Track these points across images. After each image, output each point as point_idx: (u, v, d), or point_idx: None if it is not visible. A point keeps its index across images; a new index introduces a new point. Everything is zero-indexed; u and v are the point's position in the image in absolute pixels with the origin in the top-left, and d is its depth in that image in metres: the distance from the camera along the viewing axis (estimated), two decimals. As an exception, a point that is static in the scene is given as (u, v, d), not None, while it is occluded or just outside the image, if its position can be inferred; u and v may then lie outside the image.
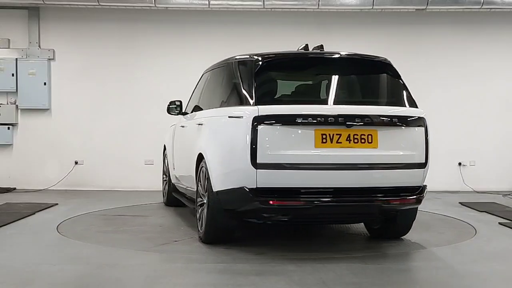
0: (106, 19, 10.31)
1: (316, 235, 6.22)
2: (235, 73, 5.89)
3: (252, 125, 4.91)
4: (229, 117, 5.37)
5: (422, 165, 5.27)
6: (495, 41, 10.44)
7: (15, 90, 10.21)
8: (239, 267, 4.83)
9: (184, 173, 6.82)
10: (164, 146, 8.44)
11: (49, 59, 10.28)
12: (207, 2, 9.66)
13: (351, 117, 5.02)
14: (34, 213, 7.45)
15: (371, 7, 9.70)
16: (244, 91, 5.41)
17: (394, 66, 5.66)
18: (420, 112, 5.35)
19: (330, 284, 4.37)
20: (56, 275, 4.61)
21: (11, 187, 10.16)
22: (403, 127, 5.23)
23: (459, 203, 8.59)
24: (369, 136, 5.07)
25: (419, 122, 5.29)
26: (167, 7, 9.89)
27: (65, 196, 9.23)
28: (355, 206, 5.21)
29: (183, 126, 7.02)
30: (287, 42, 10.04)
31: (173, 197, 7.72)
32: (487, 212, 7.77)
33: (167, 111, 7.26)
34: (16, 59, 10.18)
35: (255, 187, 4.93)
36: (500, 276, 4.86)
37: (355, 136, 5.03)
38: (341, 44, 10.16)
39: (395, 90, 5.60)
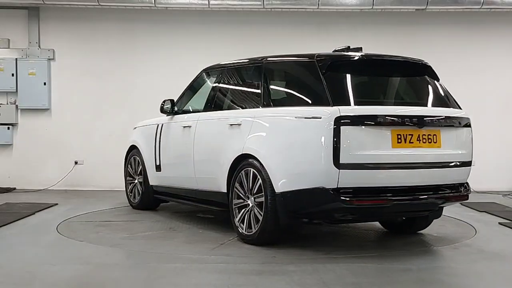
0: (106, 19, 10.31)
1: (316, 235, 6.22)
2: (291, 73, 5.94)
3: (334, 126, 4.96)
4: (300, 117, 5.30)
5: (470, 163, 5.67)
6: (495, 41, 10.44)
7: (15, 90, 10.21)
8: (239, 267, 4.83)
9: (193, 175, 6.58)
10: (132, 146, 8.00)
11: (49, 59, 10.28)
12: (207, 2, 9.66)
13: (421, 118, 5.26)
14: (34, 213, 7.45)
15: (371, 7, 9.71)
16: (314, 92, 5.43)
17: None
18: (466, 113, 5.69)
19: (330, 284, 4.37)
20: (56, 275, 4.61)
21: (11, 187, 10.17)
22: (458, 127, 5.56)
23: (459, 203, 8.57)
24: (434, 136, 5.34)
25: (468, 122, 5.67)
26: (167, 7, 9.89)
27: (65, 196, 9.23)
28: (425, 203, 5.48)
29: (186, 126, 6.77)
30: (287, 42, 10.12)
31: (149, 199, 7.62)
32: (487, 212, 7.77)
33: (161, 111, 7.21)
34: (16, 59, 10.18)
35: (335, 187, 4.98)
36: (500, 276, 4.87)
37: (424, 136, 5.26)
38: (341, 44, 10.20)
39: (441, 92, 5.81)
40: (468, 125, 5.66)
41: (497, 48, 10.46)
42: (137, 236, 6.11)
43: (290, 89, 5.97)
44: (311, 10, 9.95)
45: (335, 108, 5.04)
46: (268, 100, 5.86)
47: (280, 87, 6.15)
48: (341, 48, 5.87)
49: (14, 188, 10.15)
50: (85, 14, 10.23)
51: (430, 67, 5.86)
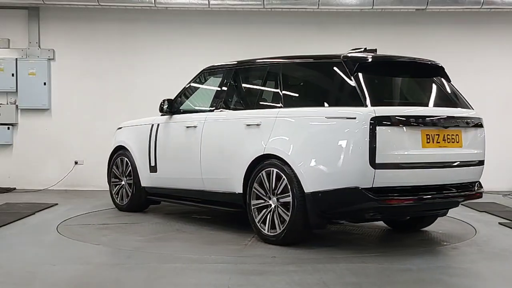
0: (106, 19, 10.32)
1: (316, 235, 6.22)
2: (313, 73, 5.98)
3: (370, 126, 5.02)
4: (332, 117, 5.31)
5: (483, 162, 5.80)
6: (495, 41, 10.44)
7: (15, 90, 10.22)
8: (239, 267, 4.83)
9: (200, 176, 6.49)
10: (119, 147, 7.82)
11: (49, 59, 10.29)
12: (207, 2, 9.66)
13: (447, 118, 5.44)
14: (34, 213, 7.45)
15: (371, 7, 9.71)
16: (344, 92, 5.48)
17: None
18: (478, 113, 5.83)
19: (330, 284, 4.37)
20: (56, 275, 4.61)
21: (11, 187, 10.17)
22: (474, 127, 5.69)
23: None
24: (457, 136, 5.51)
25: (481, 122, 5.79)
26: (167, 7, 9.89)
27: (65, 196, 9.24)
28: (449, 201, 5.68)
29: (190, 126, 6.66)
30: (287, 42, 10.12)
31: (140, 201, 7.49)
32: (487, 212, 7.77)
33: (160, 111, 7.07)
34: (16, 59, 10.19)
35: (370, 186, 5.05)
36: (500, 276, 4.87)
37: (448, 136, 5.43)
38: (341, 44, 10.20)
39: (455, 92, 5.93)
40: (481, 125, 5.79)
41: (497, 48, 10.46)
42: (137, 236, 6.11)
43: (314, 90, 6.02)
44: (311, 10, 9.95)
45: (370, 108, 5.11)
46: (289, 101, 5.87)
47: (301, 87, 6.14)
48: (356, 49, 5.87)
49: (14, 188, 10.15)
50: (85, 14, 10.24)
51: (443, 68, 5.97)
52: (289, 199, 5.43)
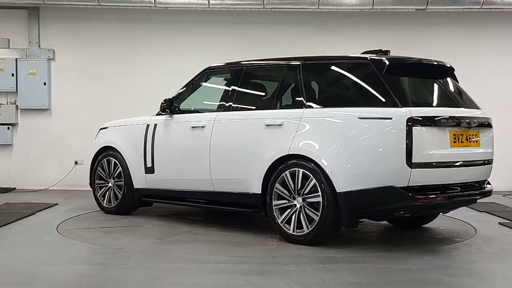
0: (106, 19, 10.32)
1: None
2: (338, 74, 5.94)
3: (406, 126, 5.14)
4: (365, 118, 5.37)
5: (492, 161, 6.01)
6: (495, 41, 10.44)
7: (15, 90, 10.22)
8: (239, 267, 4.83)
9: (209, 176, 6.39)
10: (104, 148, 7.59)
11: (49, 59, 10.29)
12: (207, 2, 9.66)
13: (471, 119, 5.64)
14: (34, 213, 7.45)
15: (371, 7, 9.70)
16: (375, 93, 5.50)
17: None
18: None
19: (330, 284, 4.37)
20: (56, 275, 4.61)
21: (11, 187, 10.17)
22: (488, 127, 5.91)
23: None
24: (476, 136, 5.72)
25: (491, 122, 6.00)
26: (167, 7, 9.89)
27: (65, 196, 9.24)
28: (470, 199, 5.87)
29: (197, 126, 6.54)
30: (287, 42, 10.12)
31: (131, 203, 7.29)
32: (487, 212, 7.77)
33: (162, 110, 6.90)
34: (16, 59, 10.19)
35: (406, 185, 5.18)
36: (500, 276, 4.87)
37: (469, 136, 5.63)
38: (341, 44, 10.22)
39: (466, 94, 6.09)
40: (491, 125, 5.97)
41: (497, 48, 10.45)
42: (137, 236, 6.11)
43: (340, 90, 6.07)
44: (311, 10, 9.95)
45: (406, 109, 5.22)
46: (313, 101, 5.87)
47: (326, 88, 6.14)
48: (370, 51, 5.99)
49: (14, 188, 10.15)
50: (85, 14, 10.24)
51: (454, 69, 6.10)
52: (319, 199, 5.48)
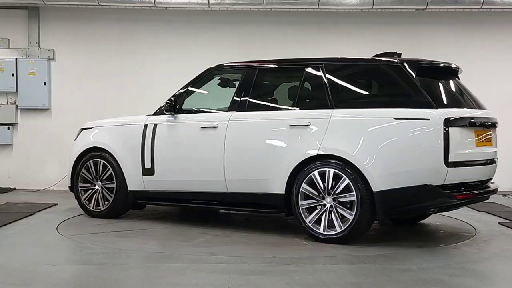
0: (106, 19, 10.32)
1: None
2: (373, 75, 6.08)
3: (443, 127, 5.37)
4: (402, 119, 5.52)
5: (497, 160, 6.22)
6: (495, 41, 10.44)
7: (15, 90, 10.22)
8: (239, 267, 4.83)
9: (223, 177, 6.30)
10: (90, 149, 7.23)
11: (49, 59, 10.29)
12: (207, 2, 9.66)
13: (491, 119, 5.93)
14: (34, 213, 7.45)
15: (371, 7, 9.71)
16: (408, 94, 5.68)
17: None
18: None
19: (330, 284, 4.37)
20: (56, 275, 4.61)
21: (11, 187, 10.17)
22: (495, 128, 6.11)
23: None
24: (490, 136, 5.97)
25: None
26: (167, 7, 9.89)
27: (65, 196, 9.20)
28: (486, 196, 6.07)
29: (208, 127, 6.42)
30: (287, 42, 10.13)
31: (124, 206, 7.03)
32: (487, 212, 7.77)
33: (167, 110, 6.71)
34: (16, 59, 10.19)
35: (442, 184, 5.41)
36: (500, 276, 4.87)
37: (487, 136, 5.89)
38: (341, 44, 10.22)
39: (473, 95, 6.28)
40: (497, 125, 6.18)
41: (497, 48, 10.45)
42: (137, 236, 6.10)
43: (370, 91, 6.15)
44: (311, 10, 9.95)
45: (442, 110, 5.46)
46: (340, 102, 5.90)
47: (354, 89, 6.14)
48: (385, 53, 6.17)
49: (14, 188, 10.15)
50: (85, 14, 10.24)
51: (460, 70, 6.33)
52: (353, 198, 5.58)
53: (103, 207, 7.08)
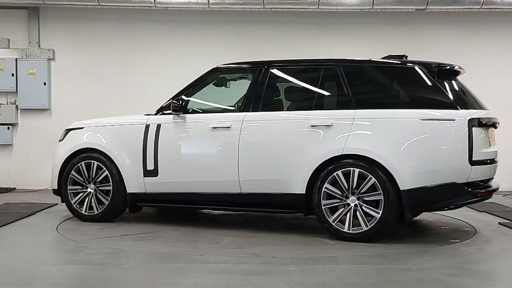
0: (106, 19, 10.33)
1: (316, 235, 6.22)
2: (395, 77, 6.19)
3: (468, 127, 5.63)
4: (428, 119, 5.72)
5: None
6: (495, 41, 10.44)
7: (15, 90, 10.23)
8: (239, 267, 4.83)
9: (236, 178, 6.24)
10: (81, 150, 6.94)
11: (49, 59, 10.30)
12: (206, 2, 9.66)
13: (495, 119, 6.13)
14: (34, 213, 7.46)
15: (371, 7, 9.71)
16: (431, 96, 5.89)
17: None
18: None
19: (330, 284, 4.37)
20: (56, 275, 4.61)
21: (11, 187, 10.18)
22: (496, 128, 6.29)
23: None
24: (494, 135, 6.19)
25: None
26: (167, 7, 9.90)
27: (65, 196, 9.22)
28: (492, 194, 6.23)
29: (220, 127, 6.34)
30: (287, 42, 10.13)
31: (121, 208, 6.83)
32: (487, 212, 7.77)
33: (174, 110, 6.53)
34: (16, 59, 10.20)
35: (466, 181, 5.69)
36: (500, 276, 4.87)
37: (492, 136, 6.13)
38: (341, 44, 10.23)
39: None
40: None
41: (498, 49, 10.45)
42: (137, 236, 6.09)
43: (392, 93, 6.26)
44: (311, 10, 9.96)
45: (466, 111, 5.72)
46: (362, 103, 6.00)
47: (376, 90, 6.28)
48: (394, 55, 6.35)
49: (14, 188, 10.16)
50: (85, 14, 10.24)
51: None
52: (379, 197, 5.72)
53: (98, 211, 6.80)
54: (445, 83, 5.94)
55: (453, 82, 6.12)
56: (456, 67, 6.19)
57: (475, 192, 5.77)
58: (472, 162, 5.65)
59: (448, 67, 6.08)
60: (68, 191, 6.96)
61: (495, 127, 6.13)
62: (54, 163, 7.16)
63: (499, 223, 7.04)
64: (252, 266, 4.88)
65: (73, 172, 6.92)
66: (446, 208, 6.20)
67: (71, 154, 6.98)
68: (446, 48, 10.18)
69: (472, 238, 6.18)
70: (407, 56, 6.38)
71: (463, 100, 5.93)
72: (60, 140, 7.32)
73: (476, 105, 6.04)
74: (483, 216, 7.54)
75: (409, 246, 5.75)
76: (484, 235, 6.34)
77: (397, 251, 5.53)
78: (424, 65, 5.97)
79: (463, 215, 7.45)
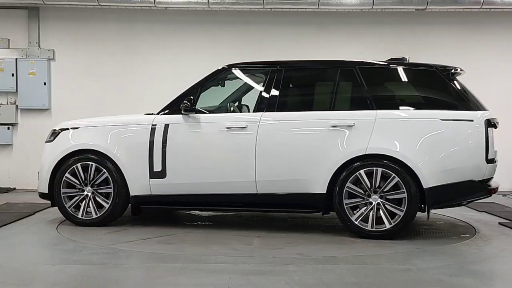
0: (106, 19, 10.32)
1: (316, 235, 6.23)
2: (413, 79, 6.41)
3: (485, 127, 5.96)
4: (447, 120, 5.99)
5: None
6: (495, 41, 10.44)
7: (15, 90, 10.22)
8: (239, 267, 4.83)
9: (253, 178, 6.18)
10: (77, 152, 6.62)
11: (49, 59, 10.29)
12: (207, 2, 9.66)
13: (497, 120, 6.29)
14: (34, 213, 7.46)
15: (371, 7, 9.71)
16: (448, 97, 6.22)
17: None
18: None
19: (330, 284, 4.37)
20: (56, 275, 4.61)
21: (11, 187, 10.17)
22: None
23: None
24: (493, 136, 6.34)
25: None
26: (167, 7, 9.89)
27: (65, 196, 9.22)
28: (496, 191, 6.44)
29: (235, 127, 6.28)
30: (287, 42, 10.13)
31: (120, 213, 6.62)
32: (487, 212, 7.78)
33: (184, 110, 6.35)
34: (16, 59, 10.19)
35: (482, 179, 6.02)
36: (500, 276, 4.87)
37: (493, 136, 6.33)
38: (341, 44, 10.22)
39: None
40: None
41: (498, 49, 10.44)
42: (137, 236, 6.10)
43: (411, 94, 6.49)
44: (311, 10, 9.96)
45: (481, 112, 6.03)
46: (382, 103, 6.18)
47: (394, 92, 6.58)
48: (396, 58, 6.57)
49: (14, 188, 10.16)
50: (85, 14, 10.24)
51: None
52: (403, 195, 5.90)
53: (97, 214, 6.53)
54: (459, 85, 6.22)
55: (460, 83, 6.31)
56: (458, 70, 6.37)
57: (489, 189, 6.07)
58: (488, 161, 5.94)
59: (458, 70, 6.32)
60: (62, 195, 6.62)
61: (496, 127, 6.25)
62: (43, 165, 6.86)
63: (499, 223, 7.04)
64: (252, 266, 4.88)
65: (67, 174, 6.60)
66: (459, 205, 6.50)
67: (65, 156, 6.66)
68: (446, 48, 10.18)
69: (472, 238, 6.19)
70: (408, 58, 6.48)
71: (476, 101, 6.16)
72: (48, 141, 6.93)
73: (482, 106, 6.21)
74: (483, 216, 7.54)
75: (409, 246, 5.75)
76: (484, 235, 6.34)
77: (397, 251, 5.54)
78: (440, 68, 6.22)
79: (463, 215, 7.46)
